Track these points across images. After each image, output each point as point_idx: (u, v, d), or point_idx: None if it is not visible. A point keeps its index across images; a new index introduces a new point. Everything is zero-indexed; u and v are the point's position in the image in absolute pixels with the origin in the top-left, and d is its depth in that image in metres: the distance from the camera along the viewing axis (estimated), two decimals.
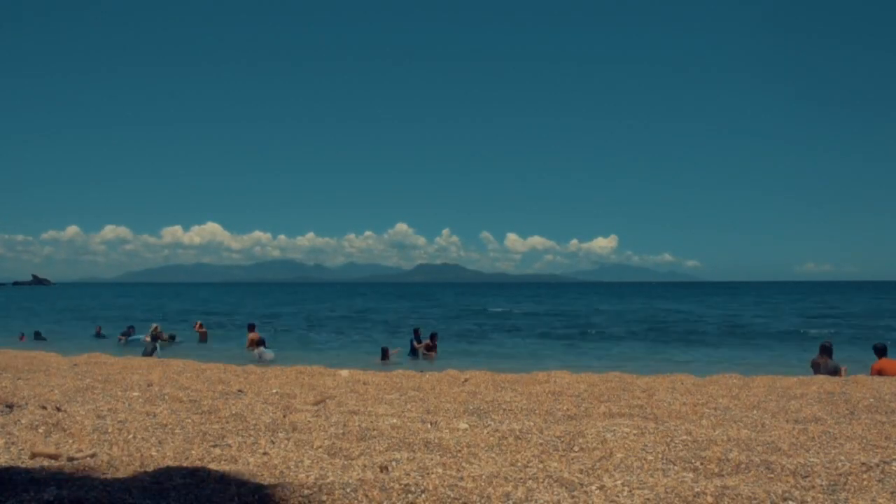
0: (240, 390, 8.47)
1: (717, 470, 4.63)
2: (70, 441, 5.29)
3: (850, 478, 4.35)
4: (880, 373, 11.70)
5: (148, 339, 20.38)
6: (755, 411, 7.05)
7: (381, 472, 4.40)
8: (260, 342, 19.08)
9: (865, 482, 4.29)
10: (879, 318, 37.50)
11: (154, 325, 21.87)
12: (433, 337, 19.02)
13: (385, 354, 17.44)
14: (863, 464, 4.61)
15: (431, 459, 4.75)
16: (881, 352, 12.27)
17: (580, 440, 5.42)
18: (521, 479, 4.29)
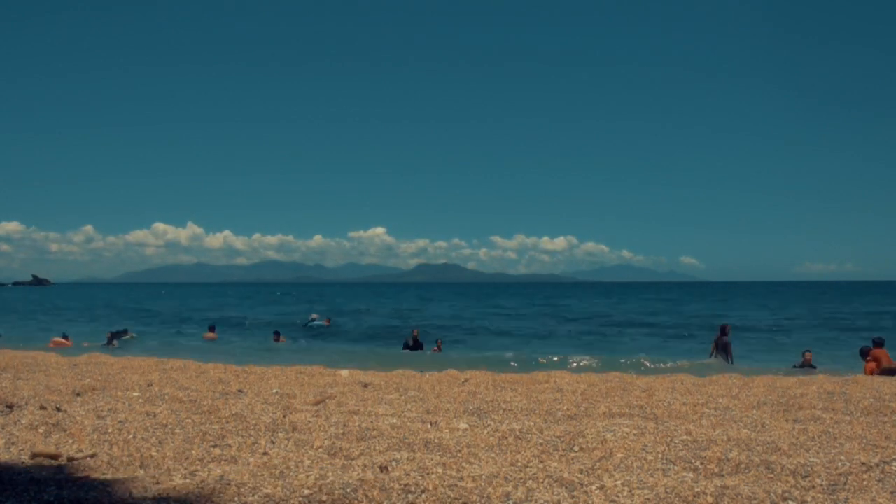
0: (240, 390, 8.47)
1: (717, 470, 4.63)
2: (70, 441, 5.29)
3: (850, 478, 4.35)
4: (877, 362, 12.30)
5: None
6: (755, 411, 7.05)
7: (381, 472, 4.40)
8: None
9: (865, 482, 4.29)
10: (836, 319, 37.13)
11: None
12: None
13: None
14: (863, 464, 4.61)
15: (431, 459, 4.75)
16: (879, 344, 12.84)
17: (580, 440, 5.42)
18: (521, 479, 4.29)
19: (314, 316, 25.90)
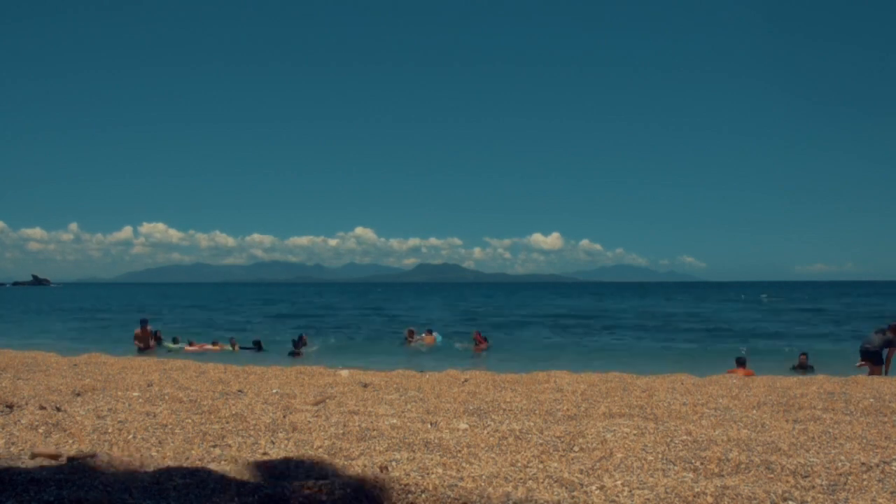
0: (240, 390, 8.47)
1: (717, 470, 4.63)
2: (70, 441, 5.29)
3: (850, 478, 4.35)
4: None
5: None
6: (755, 411, 7.05)
7: (381, 472, 4.40)
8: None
9: (865, 482, 4.29)
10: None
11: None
12: None
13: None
14: (863, 464, 4.61)
15: (431, 459, 4.75)
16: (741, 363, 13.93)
17: (580, 440, 5.42)
18: (521, 479, 4.29)
19: (304, 337, 20.91)
